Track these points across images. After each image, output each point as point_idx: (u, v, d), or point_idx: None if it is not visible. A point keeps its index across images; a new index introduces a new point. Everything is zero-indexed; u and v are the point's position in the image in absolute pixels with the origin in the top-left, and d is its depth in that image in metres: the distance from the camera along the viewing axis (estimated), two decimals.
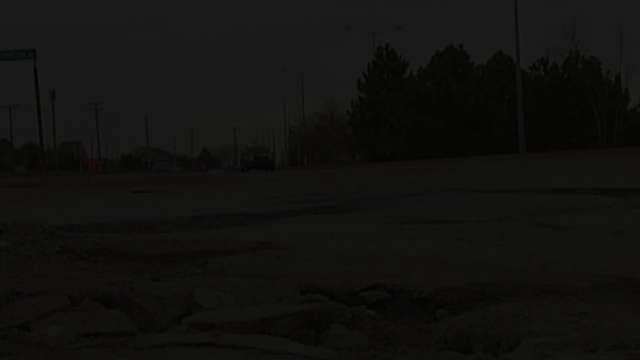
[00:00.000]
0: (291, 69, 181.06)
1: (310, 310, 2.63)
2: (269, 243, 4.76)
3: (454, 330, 2.49)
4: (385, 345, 2.57)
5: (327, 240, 5.01)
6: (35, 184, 17.74)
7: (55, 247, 4.71)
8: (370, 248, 4.47)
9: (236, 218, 7.05)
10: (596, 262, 3.74)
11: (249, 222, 6.81)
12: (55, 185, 17.28)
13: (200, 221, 6.78)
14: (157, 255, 4.45)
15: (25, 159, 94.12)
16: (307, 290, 3.29)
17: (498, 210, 7.02)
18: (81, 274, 3.75)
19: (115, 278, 3.53)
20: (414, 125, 62.65)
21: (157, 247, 4.70)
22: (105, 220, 6.78)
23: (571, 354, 2.13)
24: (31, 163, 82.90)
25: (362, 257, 4.07)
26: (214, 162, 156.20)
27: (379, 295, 3.19)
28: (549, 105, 61.48)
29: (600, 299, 2.86)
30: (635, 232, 4.95)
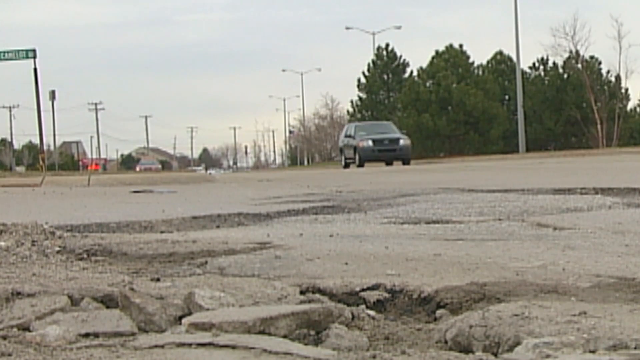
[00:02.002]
0: (291, 69, 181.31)
1: (310, 310, 2.63)
2: (269, 243, 4.76)
3: (454, 330, 2.49)
4: (385, 345, 2.57)
5: (327, 240, 5.00)
6: (35, 184, 17.72)
7: (55, 247, 4.71)
8: (370, 248, 4.47)
9: (236, 218, 7.04)
10: (596, 262, 3.74)
11: (249, 222, 6.81)
12: (55, 185, 17.27)
13: (200, 221, 6.78)
14: (157, 255, 4.45)
15: (25, 159, 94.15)
16: (307, 290, 3.29)
17: (498, 210, 7.02)
18: (81, 274, 3.75)
19: (115, 278, 3.53)
20: (414, 125, 62.65)
21: (157, 247, 4.70)
22: (105, 220, 6.78)
23: (571, 354, 2.13)
24: (31, 163, 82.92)
25: (362, 257, 4.07)
26: (214, 162, 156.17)
27: (379, 295, 3.19)
28: (549, 105, 61.49)
29: (600, 299, 2.86)
30: (635, 232, 4.95)
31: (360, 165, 37.00)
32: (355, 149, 37.86)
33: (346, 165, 39.70)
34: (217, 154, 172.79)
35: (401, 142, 37.59)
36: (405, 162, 37.10)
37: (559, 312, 2.50)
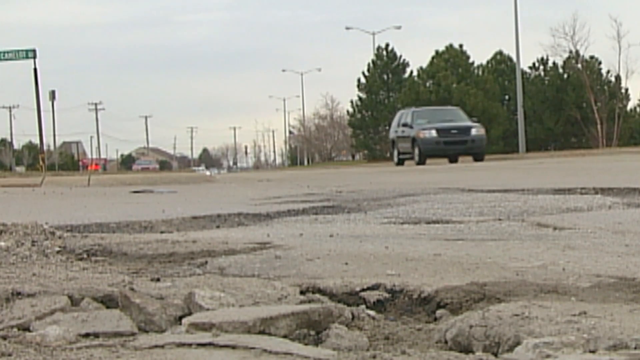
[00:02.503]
0: (291, 69, 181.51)
1: (310, 310, 2.63)
2: (269, 243, 4.76)
3: (454, 330, 2.49)
4: (385, 345, 2.57)
5: (327, 240, 5.00)
6: (35, 184, 17.72)
7: (55, 247, 4.71)
8: (370, 248, 4.47)
9: (236, 218, 7.04)
10: (596, 262, 3.74)
11: (249, 222, 6.81)
12: (55, 186, 17.27)
13: (200, 221, 6.78)
14: (157, 255, 4.45)
15: (25, 159, 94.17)
16: (307, 290, 3.29)
17: (498, 210, 7.02)
18: (81, 274, 3.75)
19: (115, 278, 3.53)
20: None
21: (157, 247, 4.70)
22: (105, 220, 6.78)
23: (571, 354, 2.13)
24: (31, 163, 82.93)
25: (362, 257, 4.07)
26: (214, 162, 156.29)
27: (379, 295, 3.19)
28: (549, 105, 61.49)
29: (600, 299, 2.86)
30: (635, 232, 4.95)
31: (421, 161, 29.33)
32: (413, 141, 30.12)
33: (400, 162, 31.87)
34: (217, 154, 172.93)
35: (473, 131, 29.63)
36: (478, 157, 29.47)
37: (559, 312, 2.50)
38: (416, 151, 30.05)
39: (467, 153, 29.98)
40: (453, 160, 30.39)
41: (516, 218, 6.22)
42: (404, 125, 32.24)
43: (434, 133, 29.68)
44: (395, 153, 33.06)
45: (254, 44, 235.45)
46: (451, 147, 29.66)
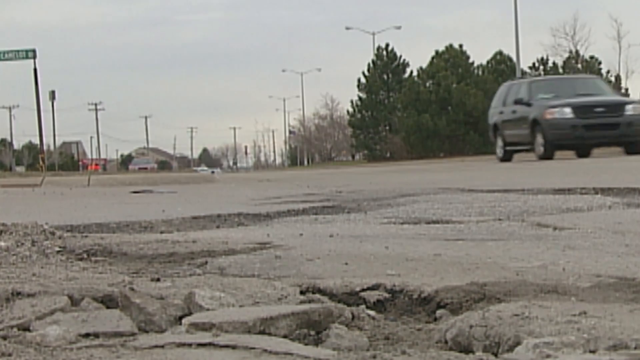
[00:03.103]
0: (291, 69, 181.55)
1: (310, 310, 2.63)
2: (269, 243, 4.76)
3: (454, 330, 2.49)
4: (385, 345, 2.57)
5: (327, 240, 5.00)
6: (35, 184, 17.72)
7: (55, 248, 4.70)
8: (370, 248, 4.47)
9: (236, 218, 7.04)
10: (596, 262, 3.74)
11: (249, 222, 6.81)
12: (55, 186, 17.27)
13: (200, 221, 6.78)
14: (157, 255, 4.45)
15: (25, 159, 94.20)
16: (307, 290, 3.29)
17: (498, 210, 7.02)
18: (81, 274, 3.75)
19: (115, 278, 3.53)
20: (414, 125, 62.63)
21: (157, 247, 4.70)
22: (105, 221, 6.77)
23: (571, 354, 2.13)
24: (31, 163, 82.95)
25: (362, 257, 4.07)
26: (214, 162, 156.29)
27: (379, 295, 3.19)
28: None
29: (600, 299, 2.86)
30: (635, 232, 4.94)
31: (547, 155, 20.81)
32: (534, 124, 21.06)
33: (506, 156, 23.37)
34: (217, 154, 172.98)
35: (628, 109, 20.45)
36: (633, 149, 20.46)
37: (559, 312, 2.50)
38: (539, 140, 21.07)
39: (619, 142, 20.97)
40: (584, 154, 21.66)
41: (516, 218, 6.22)
42: (517, 102, 22.54)
43: (568, 112, 20.56)
44: (500, 143, 23.84)
45: (254, 44, 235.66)
46: (595, 134, 20.52)
